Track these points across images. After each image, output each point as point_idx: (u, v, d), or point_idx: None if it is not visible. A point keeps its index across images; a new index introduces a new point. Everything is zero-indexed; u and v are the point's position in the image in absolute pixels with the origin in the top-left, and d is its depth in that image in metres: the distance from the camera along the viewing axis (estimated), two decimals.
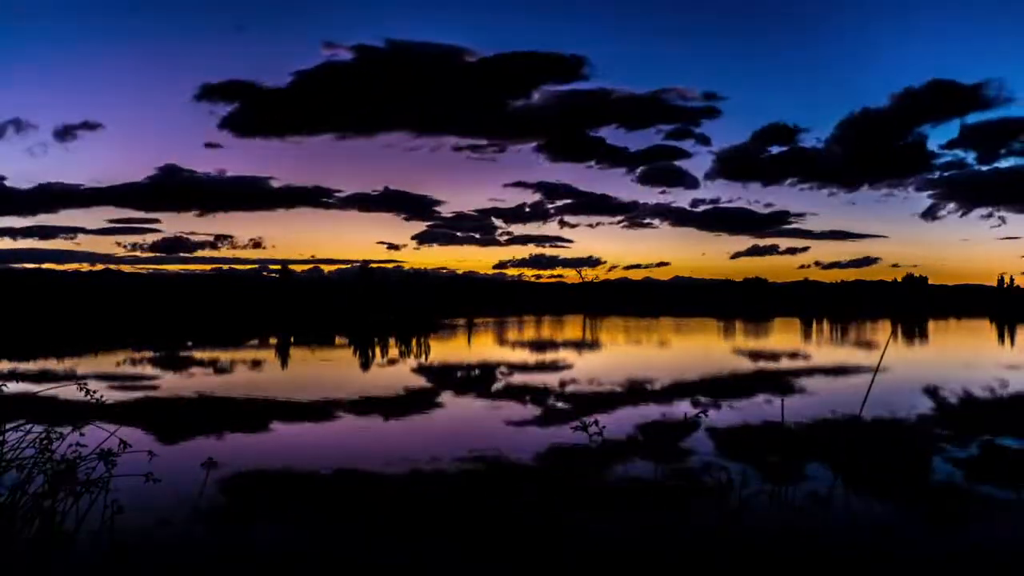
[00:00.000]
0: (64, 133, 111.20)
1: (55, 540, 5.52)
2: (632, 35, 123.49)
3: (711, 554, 5.36)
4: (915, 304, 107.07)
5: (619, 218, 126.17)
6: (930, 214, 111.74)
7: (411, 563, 5.21)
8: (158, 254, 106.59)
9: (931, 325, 52.59)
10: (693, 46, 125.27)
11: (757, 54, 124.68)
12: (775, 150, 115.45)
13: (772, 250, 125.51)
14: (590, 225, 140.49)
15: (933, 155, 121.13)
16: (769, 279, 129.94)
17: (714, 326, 49.16)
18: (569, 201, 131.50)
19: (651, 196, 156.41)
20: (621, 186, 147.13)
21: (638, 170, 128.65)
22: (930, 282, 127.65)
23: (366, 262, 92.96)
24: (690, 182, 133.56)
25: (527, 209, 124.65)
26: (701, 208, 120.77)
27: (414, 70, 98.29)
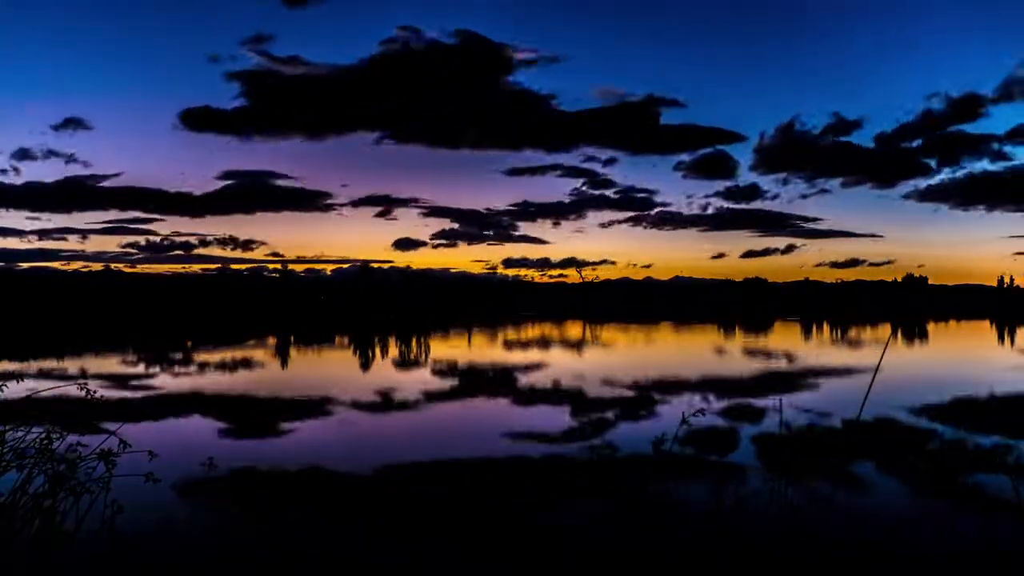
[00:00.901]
0: (63, 127, 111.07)
1: (55, 540, 5.52)
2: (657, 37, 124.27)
3: (710, 554, 5.36)
4: (915, 304, 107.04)
5: (629, 215, 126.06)
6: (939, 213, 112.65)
7: (411, 563, 5.22)
8: (159, 254, 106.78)
9: (931, 325, 52.60)
10: (727, 45, 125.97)
11: (784, 53, 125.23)
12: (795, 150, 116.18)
13: (774, 251, 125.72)
14: (601, 224, 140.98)
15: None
16: (769, 279, 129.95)
17: (713, 327, 49.18)
18: (576, 199, 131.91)
19: (669, 194, 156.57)
20: (646, 179, 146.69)
21: (673, 163, 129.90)
22: (930, 282, 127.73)
23: (366, 262, 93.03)
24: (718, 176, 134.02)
25: (541, 208, 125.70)
26: (708, 208, 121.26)
27: (436, 68, 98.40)
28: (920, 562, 5.27)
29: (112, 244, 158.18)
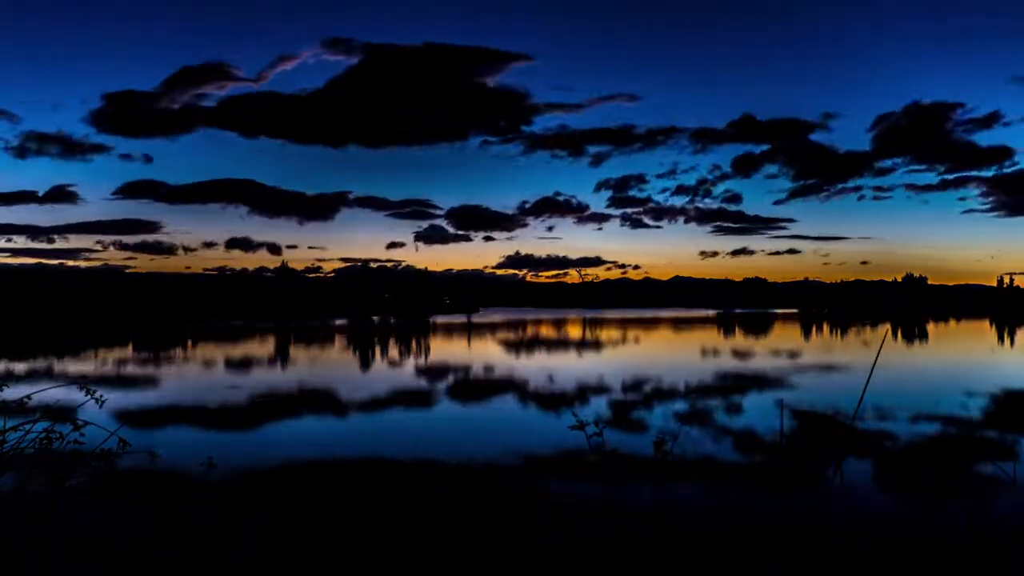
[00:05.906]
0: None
1: (54, 539, 5.53)
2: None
3: (707, 553, 5.37)
4: (915, 304, 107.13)
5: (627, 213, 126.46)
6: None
7: (411, 563, 5.23)
8: (159, 254, 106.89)
9: (930, 325, 52.57)
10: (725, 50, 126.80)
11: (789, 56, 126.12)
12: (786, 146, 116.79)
13: (774, 251, 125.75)
14: (599, 226, 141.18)
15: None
16: (769, 279, 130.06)
17: (712, 326, 49.18)
18: (567, 198, 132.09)
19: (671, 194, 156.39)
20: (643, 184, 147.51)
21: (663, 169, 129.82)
22: (930, 282, 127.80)
23: (366, 261, 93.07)
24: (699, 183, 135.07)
25: (543, 208, 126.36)
26: (705, 208, 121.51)
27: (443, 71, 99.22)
28: (916, 559, 5.28)
29: (112, 243, 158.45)
